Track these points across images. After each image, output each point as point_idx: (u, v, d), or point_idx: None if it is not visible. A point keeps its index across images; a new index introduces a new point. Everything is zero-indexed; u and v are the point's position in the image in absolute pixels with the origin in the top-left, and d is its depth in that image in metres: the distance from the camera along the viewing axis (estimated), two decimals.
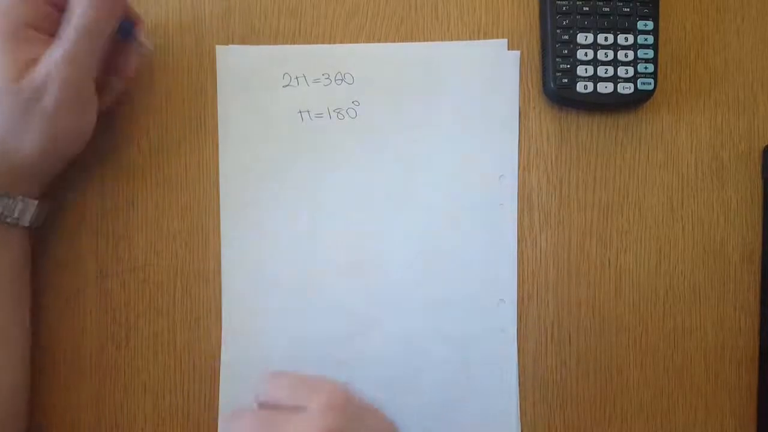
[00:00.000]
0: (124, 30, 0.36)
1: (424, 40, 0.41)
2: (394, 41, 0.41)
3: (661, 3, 0.40)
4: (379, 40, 0.41)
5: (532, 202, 0.41)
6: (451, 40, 0.41)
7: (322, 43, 0.41)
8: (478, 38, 0.41)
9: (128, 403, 0.39)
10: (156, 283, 0.40)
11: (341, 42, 0.41)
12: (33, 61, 0.33)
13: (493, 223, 0.40)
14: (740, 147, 0.42)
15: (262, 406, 0.31)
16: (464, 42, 0.41)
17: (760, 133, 0.42)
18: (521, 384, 0.40)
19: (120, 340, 0.39)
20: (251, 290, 0.39)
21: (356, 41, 0.41)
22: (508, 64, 0.41)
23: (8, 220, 0.34)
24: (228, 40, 0.40)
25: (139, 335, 0.39)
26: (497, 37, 0.41)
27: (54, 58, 0.33)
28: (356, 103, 0.40)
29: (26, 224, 0.35)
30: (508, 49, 0.41)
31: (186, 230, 0.40)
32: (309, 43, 0.41)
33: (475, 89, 0.40)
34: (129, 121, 0.40)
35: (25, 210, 0.35)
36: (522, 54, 0.41)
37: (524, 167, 0.41)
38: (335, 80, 0.40)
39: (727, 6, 0.42)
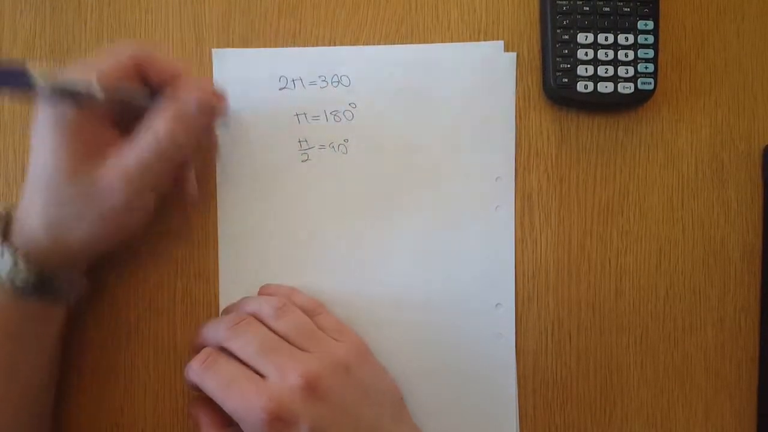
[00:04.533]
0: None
1: (424, 41, 0.41)
2: (394, 42, 0.41)
3: (661, 3, 0.40)
4: (379, 41, 0.41)
5: (532, 202, 0.41)
6: (451, 40, 0.41)
7: (323, 43, 0.41)
8: (478, 38, 0.41)
9: (128, 403, 0.39)
10: (156, 283, 0.40)
11: (342, 42, 0.41)
12: (99, 155, 0.31)
13: (490, 226, 0.40)
14: (740, 147, 0.41)
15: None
16: (460, 44, 0.41)
17: (760, 133, 0.42)
18: (521, 385, 0.40)
19: (120, 340, 0.39)
20: (249, 291, 0.39)
21: (357, 41, 0.41)
22: (504, 66, 0.41)
23: (54, 298, 0.34)
24: (228, 41, 0.40)
25: (139, 335, 0.39)
26: (497, 37, 0.41)
27: (126, 164, 0.31)
28: (353, 105, 0.40)
29: (71, 302, 0.35)
30: (505, 51, 0.41)
31: (186, 230, 0.40)
32: (309, 43, 0.41)
33: (471, 91, 0.40)
34: None
35: (71, 289, 0.35)
36: (522, 54, 0.41)
37: (524, 167, 0.41)
38: (332, 83, 0.40)
39: (727, 6, 0.42)
